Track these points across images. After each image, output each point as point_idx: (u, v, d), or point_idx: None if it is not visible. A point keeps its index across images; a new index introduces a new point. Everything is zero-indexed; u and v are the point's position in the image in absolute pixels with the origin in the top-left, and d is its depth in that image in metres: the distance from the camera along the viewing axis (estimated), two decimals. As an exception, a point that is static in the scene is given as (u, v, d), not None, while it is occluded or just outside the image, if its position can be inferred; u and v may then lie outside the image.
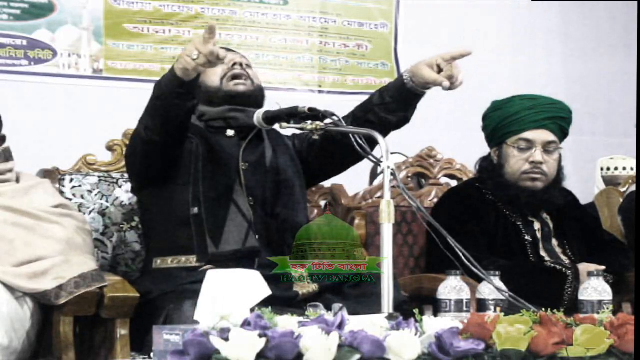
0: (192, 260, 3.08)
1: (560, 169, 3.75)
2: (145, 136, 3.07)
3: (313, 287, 2.99)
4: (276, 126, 3.08)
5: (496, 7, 5.67)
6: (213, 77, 3.23)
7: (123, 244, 3.42)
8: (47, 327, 2.99)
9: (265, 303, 2.28)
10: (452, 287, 2.74)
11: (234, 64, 3.25)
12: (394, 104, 3.19)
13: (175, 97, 2.96)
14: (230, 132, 3.25)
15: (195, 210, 3.10)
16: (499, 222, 3.67)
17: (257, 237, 3.12)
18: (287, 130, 3.00)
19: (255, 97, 3.24)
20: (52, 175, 3.39)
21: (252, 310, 2.21)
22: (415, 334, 2.19)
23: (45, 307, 2.95)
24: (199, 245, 3.08)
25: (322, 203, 3.74)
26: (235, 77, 3.24)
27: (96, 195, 3.43)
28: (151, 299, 2.99)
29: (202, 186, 3.11)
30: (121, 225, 3.43)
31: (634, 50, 5.25)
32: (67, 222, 3.06)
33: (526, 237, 3.66)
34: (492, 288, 2.73)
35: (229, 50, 3.37)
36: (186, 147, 3.16)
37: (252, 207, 3.14)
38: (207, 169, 3.14)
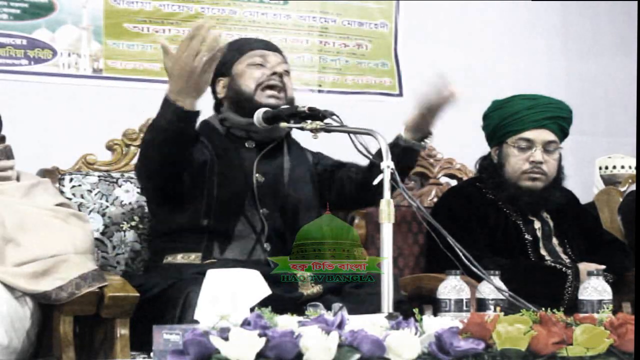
0: (201, 258, 3.10)
1: (560, 168, 3.75)
2: (154, 184, 3.14)
3: (317, 288, 2.99)
4: (291, 131, 3.10)
5: (496, 7, 5.66)
6: (249, 81, 3.22)
7: (123, 243, 3.43)
8: (47, 326, 2.99)
9: (270, 304, 2.27)
10: (452, 287, 2.74)
11: (274, 73, 3.24)
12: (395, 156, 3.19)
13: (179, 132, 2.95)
14: (250, 144, 3.25)
15: (205, 222, 3.13)
16: (499, 222, 3.67)
17: (268, 249, 3.13)
18: (304, 138, 3.00)
19: None
20: (52, 174, 3.39)
21: (252, 309, 2.21)
22: (415, 334, 2.19)
23: (45, 307, 2.95)
24: (205, 250, 3.13)
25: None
26: (270, 87, 3.22)
27: (96, 194, 3.43)
28: (159, 293, 2.98)
29: (215, 199, 3.13)
30: (121, 225, 3.43)
31: (634, 50, 5.24)
32: (70, 221, 3.07)
33: (526, 237, 3.66)
34: (492, 287, 2.73)
35: (273, 51, 3.35)
36: (200, 158, 3.17)
37: (266, 218, 3.15)
38: (221, 181, 3.16)
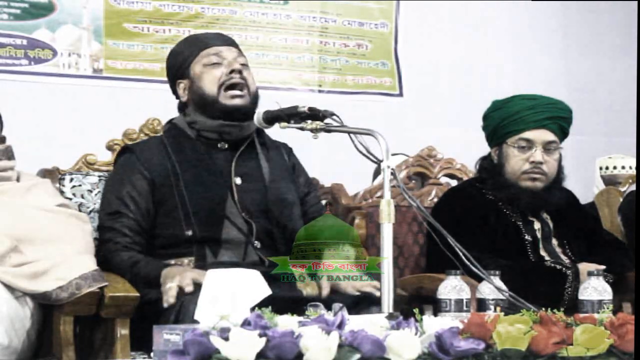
0: (194, 263, 3.08)
1: (560, 168, 3.75)
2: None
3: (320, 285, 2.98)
4: (271, 131, 3.08)
5: (496, 7, 5.67)
6: (210, 84, 3.17)
7: (123, 243, 3.41)
8: (47, 326, 2.99)
9: (270, 305, 2.26)
10: (452, 287, 2.74)
11: (232, 70, 3.20)
12: None
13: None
14: (222, 145, 3.23)
15: (190, 232, 3.08)
16: (499, 222, 3.67)
17: (259, 246, 3.11)
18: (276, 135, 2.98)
19: (251, 111, 3.14)
20: (52, 174, 3.39)
21: (252, 309, 2.21)
22: (415, 334, 2.19)
23: (45, 307, 2.95)
24: (197, 257, 3.08)
25: (322, 202, 3.74)
26: (232, 86, 3.18)
27: (96, 194, 3.43)
28: (158, 298, 2.96)
29: (191, 207, 3.08)
30: (121, 225, 3.42)
31: (634, 50, 5.25)
32: (70, 221, 3.07)
33: (526, 237, 3.66)
34: (492, 288, 2.73)
35: (227, 45, 3.31)
36: (163, 169, 3.14)
37: (250, 219, 3.13)
38: (194, 187, 3.11)
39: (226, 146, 3.22)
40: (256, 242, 3.11)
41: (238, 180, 3.17)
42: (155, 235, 3.14)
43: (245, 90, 3.20)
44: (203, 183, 3.14)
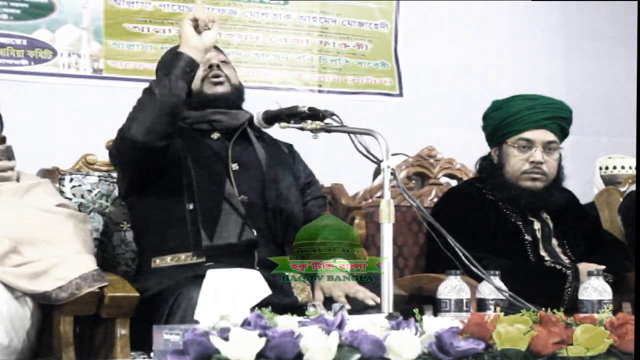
0: (191, 257, 3.09)
1: (560, 168, 3.75)
2: (145, 141, 3.06)
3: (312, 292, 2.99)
4: (271, 131, 3.09)
5: (496, 7, 5.67)
6: (194, 81, 3.22)
7: (123, 243, 3.42)
8: (47, 326, 2.99)
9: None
10: (452, 287, 2.74)
11: (210, 65, 3.27)
12: None
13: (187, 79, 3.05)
14: (215, 135, 3.26)
15: (191, 206, 3.12)
16: (499, 222, 3.67)
17: (254, 232, 3.13)
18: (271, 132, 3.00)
19: (235, 99, 3.28)
20: (52, 174, 3.39)
21: (252, 310, 2.21)
22: (415, 334, 2.19)
23: (45, 307, 2.95)
24: (194, 240, 3.10)
25: (324, 197, 3.74)
26: (213, 77, 3.27)
27: (96, 194, 3.43)
28: (153, 295, 2.98)
29: (195, 184, 3.13)
30: (121, 225, 3.43)
31: (634, 50, 5.25)
32: (70, 222, 3.07)
33: (526, 237, 3.66)
34: (492, 288, 2.73)
35: None
36: (171, 147, 3.16)
37: (246, 204, 3.15)
38: (197, 169, 3.16)
39: (219, 135, 3.27)
40: (254, 230, 3.13)
41: (235, 166, 3.22)
42: (157, 208, 3.16)
43: (225, 82, 3.28)
44: (203, 166, 3.18)
